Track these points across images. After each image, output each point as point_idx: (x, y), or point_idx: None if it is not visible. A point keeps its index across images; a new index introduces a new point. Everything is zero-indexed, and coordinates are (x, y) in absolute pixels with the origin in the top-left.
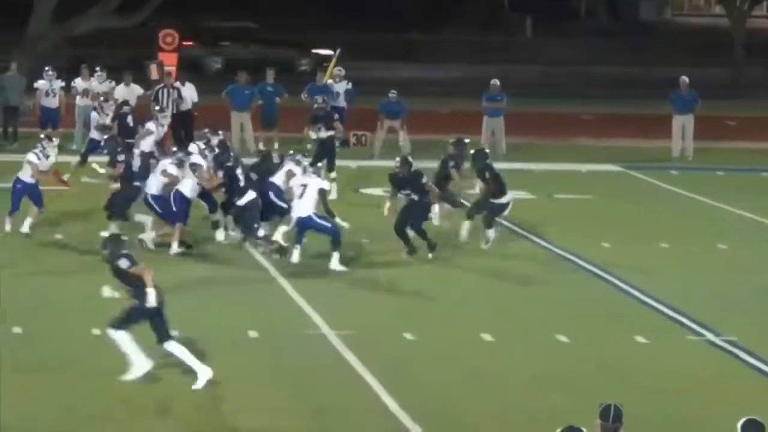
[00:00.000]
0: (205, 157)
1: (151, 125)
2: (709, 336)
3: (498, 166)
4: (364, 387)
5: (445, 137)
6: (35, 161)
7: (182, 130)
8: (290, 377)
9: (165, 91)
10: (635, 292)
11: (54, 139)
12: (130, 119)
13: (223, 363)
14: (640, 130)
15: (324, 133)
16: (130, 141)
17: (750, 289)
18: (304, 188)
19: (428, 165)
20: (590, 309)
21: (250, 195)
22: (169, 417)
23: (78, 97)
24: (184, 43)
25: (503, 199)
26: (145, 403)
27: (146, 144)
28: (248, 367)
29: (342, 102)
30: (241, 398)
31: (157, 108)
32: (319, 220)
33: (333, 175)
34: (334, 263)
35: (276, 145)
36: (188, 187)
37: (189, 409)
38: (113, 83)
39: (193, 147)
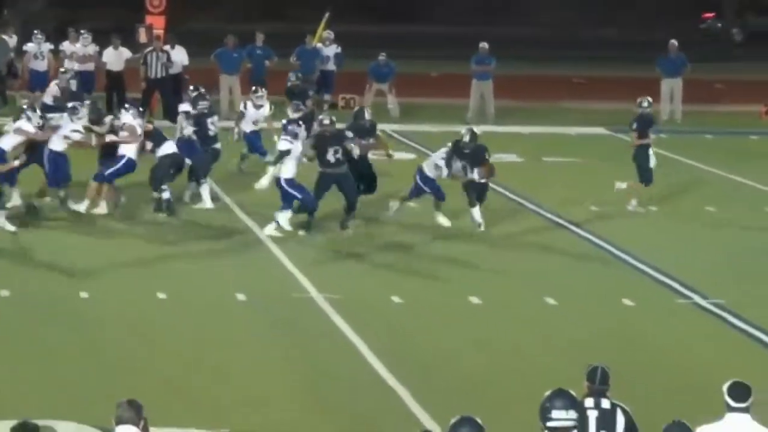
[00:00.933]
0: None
1: (243, 108)
2: (697, 299)
3: (486, 129)
4: (352, 349)
5: (434, 101)
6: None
7: (174, 94)
8: (279, 340)
9: (154, 54)
10: (623, 255)
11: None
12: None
13: (210, 325)
14: (629, 93)
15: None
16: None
17: (738, 252)
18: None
19: (416, 128)
20: (578, 271)
21: (168, 148)
22: (150, 375)
23: (66, 61)
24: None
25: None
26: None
27: (246, 125)
28: (236, 330)
29: (331, 65)
30: (229, 360)
31: (252, 89)
32: (288, 187)
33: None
34: (273, 226)
35: None
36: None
37: (176, 367)
38: (97, 47)
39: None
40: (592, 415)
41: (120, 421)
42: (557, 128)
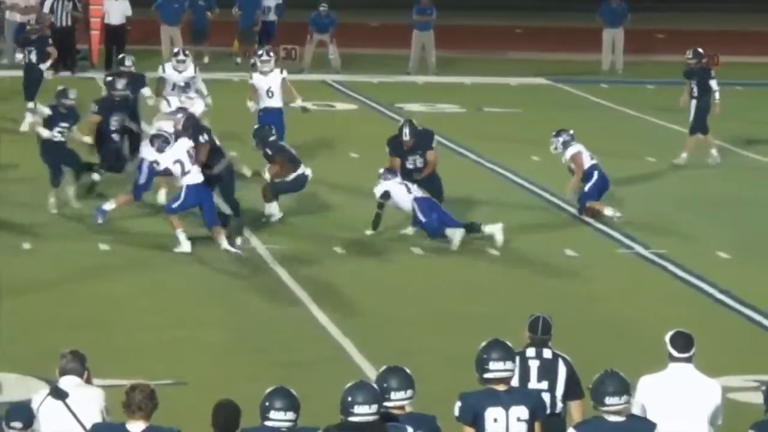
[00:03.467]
0: None
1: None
2: (639, 249)
3: (427, 80)
4: (292, 297)
5: (376, 51)
6: None
7: (114, 45)
8: (220, 291)
9: (60, 2)
10: (565, 205)
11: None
12: None
13: (149, 275)
14: (571, 43)
15: (35, 57)
16: None
17: (679, 202)
18: None
19: (358, 79)
20: (519, 222)
21: None
22: (92, 325)
23: (7, 12)
24: None
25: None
26: None
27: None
28: (175, 280)
29: (272, 16)
30: (175, 311)
31: (259, 53)
32: None
33: (30, 105)
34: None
35: (206, 60)
36: None
37: (122, 319)
38: None
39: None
40: (534, 365)
41: (64, 372)
42: (498, 78)
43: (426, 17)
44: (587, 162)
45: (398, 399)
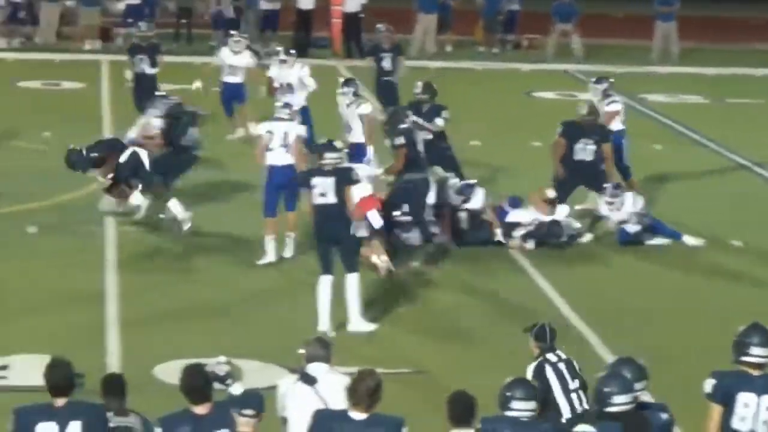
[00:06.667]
0: None
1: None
2: None
3: (670, 70)
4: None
5: (618, 41)
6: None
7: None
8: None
9: None
10: None
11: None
12: None
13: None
14: None
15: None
16: None
17: None
18: None
19: (603, 68)
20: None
21: None
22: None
23: None
24: None
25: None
26: None
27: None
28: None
29: (516, 5)
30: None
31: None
32: None
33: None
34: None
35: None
36: None
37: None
38: None
39: None
40: (562, 367)
41: (312, 359)
42: (742, 69)
43: (669, 8)
44: None
45: (637, 390)
